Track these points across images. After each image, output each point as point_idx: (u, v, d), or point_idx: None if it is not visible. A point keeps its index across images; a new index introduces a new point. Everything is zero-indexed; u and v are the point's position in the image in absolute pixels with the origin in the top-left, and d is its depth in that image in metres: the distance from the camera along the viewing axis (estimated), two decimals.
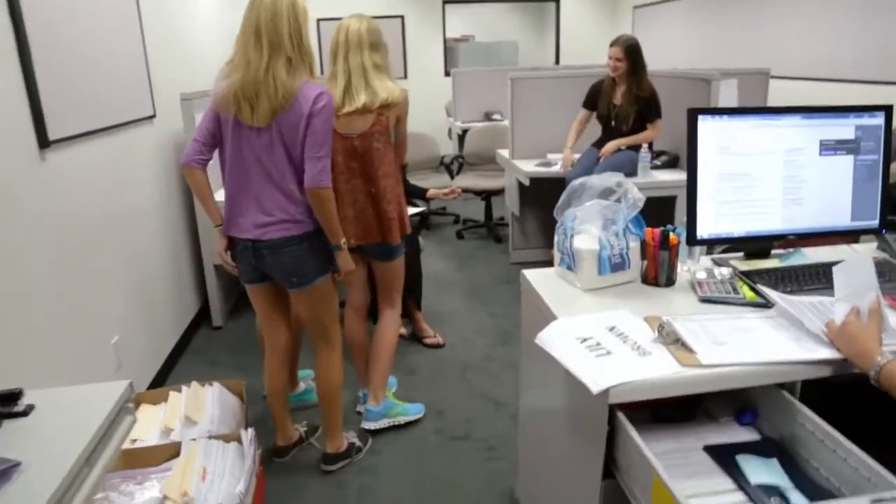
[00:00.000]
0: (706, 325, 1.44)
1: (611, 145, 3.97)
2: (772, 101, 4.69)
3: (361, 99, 2.49)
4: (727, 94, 3.93)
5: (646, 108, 3.93)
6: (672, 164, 4.22)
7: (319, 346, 2.53)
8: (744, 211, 1.77)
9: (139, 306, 3.11)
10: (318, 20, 8.61)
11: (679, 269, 1.76)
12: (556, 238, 1.76)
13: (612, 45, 3.94)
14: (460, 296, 4.33)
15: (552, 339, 1.43)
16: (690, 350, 1.34)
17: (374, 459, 2.68)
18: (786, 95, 5.37)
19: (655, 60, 7.68)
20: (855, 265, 1.37)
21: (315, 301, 2.40)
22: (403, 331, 3.56)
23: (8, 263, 2.05)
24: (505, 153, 4.80)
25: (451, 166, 6.11)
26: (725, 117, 1.72)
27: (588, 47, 9.22)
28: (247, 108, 2.13)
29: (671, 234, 1.70)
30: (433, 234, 5.85)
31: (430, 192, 3.82)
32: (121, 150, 3.01)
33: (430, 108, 8.20)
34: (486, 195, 5.63)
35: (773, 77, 4.68)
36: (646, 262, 1.74)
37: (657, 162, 4.17)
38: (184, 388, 2.70)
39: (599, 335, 1.42)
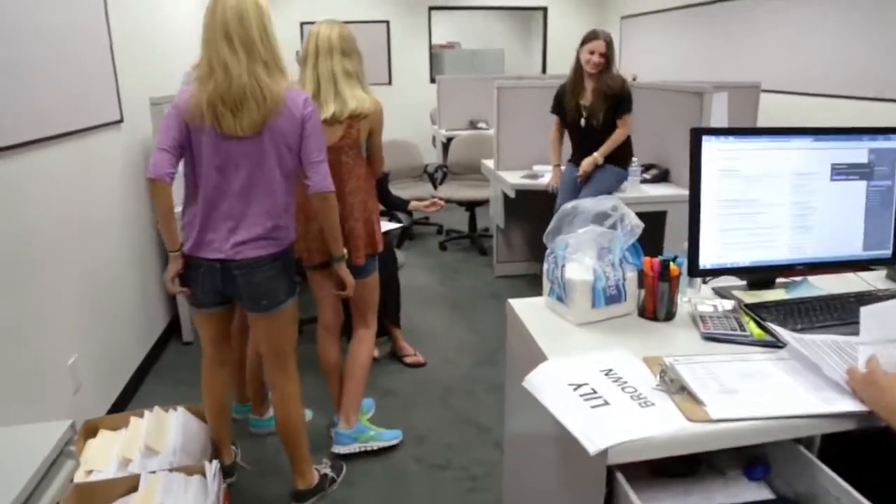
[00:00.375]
0: (712, 370, 1.30)
1: (587, 163, 3.74)
2: (762, 117, 4.59)
3: (330, 108, 2.36)
4: (718, 109, 3.82)
5: (618, 103, 3.70)
6: (662, 177, 4.10)
7: (277, 379, 2.33)
8: (750, 239, 1.63)
9: (101, 322, 2.93)
10: (302, 24, 8.46)
11: (678, 300, 1.62)
12: (545, 266, 1.62)
13: (590, 39, 3.77)
14: (443, 311, 4.18)
15: (542, 384, 1.28)
16: (698, 401, 1.19)
17: (348, 491, 2.51)
18: (777, 111, 5.29)
19: (642, 72, 7.63)
20: (890, 311, 1.24)
21: (279, 325, 2.24)
22: (376, 353, 3.39)
23: None
24: (490, 164, 4.66)
25: (435, 175, 5.96)
26: (731, 138, 1.59)
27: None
28: (228, 117, 1.97)
29: (671, 265, 1.56)
30: (415, 245, 5.69)
31: (412, 205, 3.68)
32: (82, 157, 2.84)
33: (415, 115, 8.06)
34: (471, 206, 5.49)
35: (763, 91, 4.59)
36: (643, 294, 1.60)
37: (646, 176, 4.05)
38: (146, 413, 2.54)
39: (595, 381, 1.27)
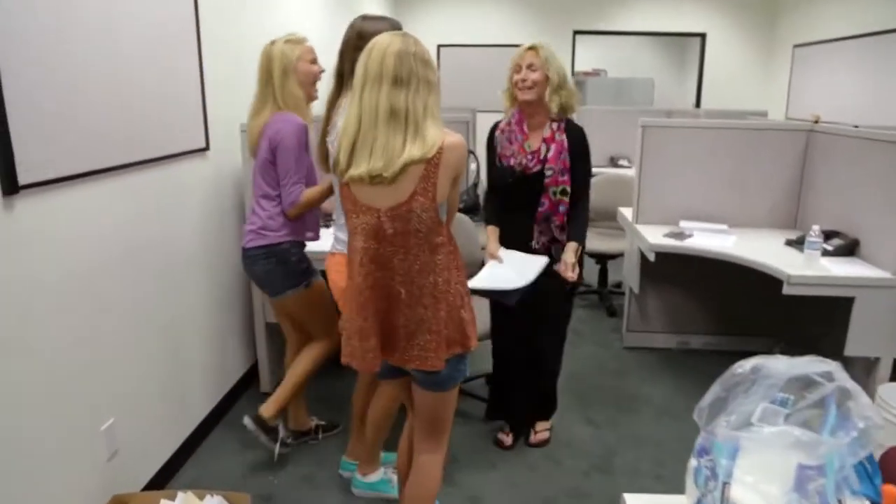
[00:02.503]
0: None
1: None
2: None
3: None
4: None
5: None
6: (848, 250, 3.21)
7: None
8: None
9: (161, 372, 2.59)
10: (439, 46, 8.14)
11: None
12: (692, 462, 0.97)
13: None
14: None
15: None
16: None
17: None
18: None
19: (819, 111, 6.56)
20: None
21: (298, 308, 2.69)
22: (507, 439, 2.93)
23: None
24: (628, 213, 3.96)
25: None
26: None
27: (736, 89, 8.16)
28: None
29: None
30: None
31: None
32: (162, 186, 2.55)
33: None
34: (603, 259, 4.79)
35: None
36: None
37: (828, 247, 3.18)
38: (179, 494, 2.19)
39: None
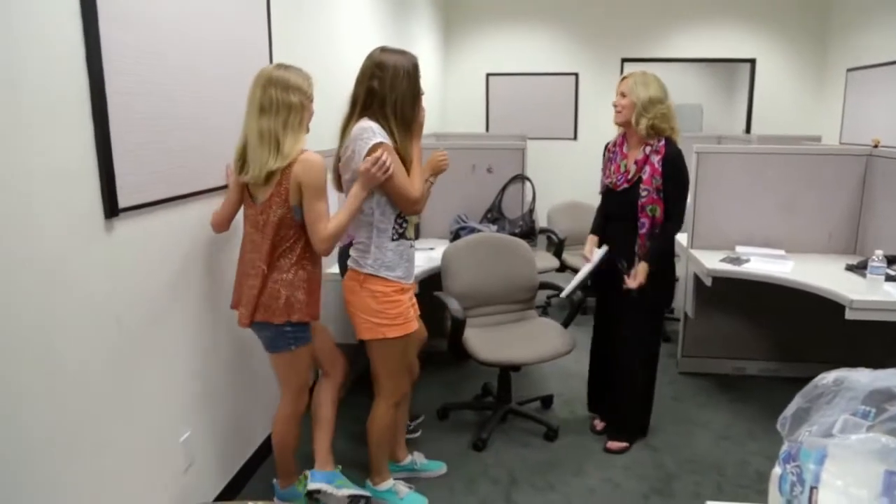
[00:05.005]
0: None
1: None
2: None
3: None
4: None
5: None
6: None
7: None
8: None
9: (233, 387, 2.72)
10: (487, 75, 8.29)
11: None
12: (776, 469, 1.02)
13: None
14: None
15: None
16: None
17: None
18: None
19: (878, 135, 6.46)
20: None
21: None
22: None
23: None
24: (682, 239, 3.98)
25: None
26: None
27: (786, 115, 8.07)
28: None
29: None
30: (587, 321, 5.06)
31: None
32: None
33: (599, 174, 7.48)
34: None
35: None
36: None
37: (891, 271, 3.15)
38: None
39: None
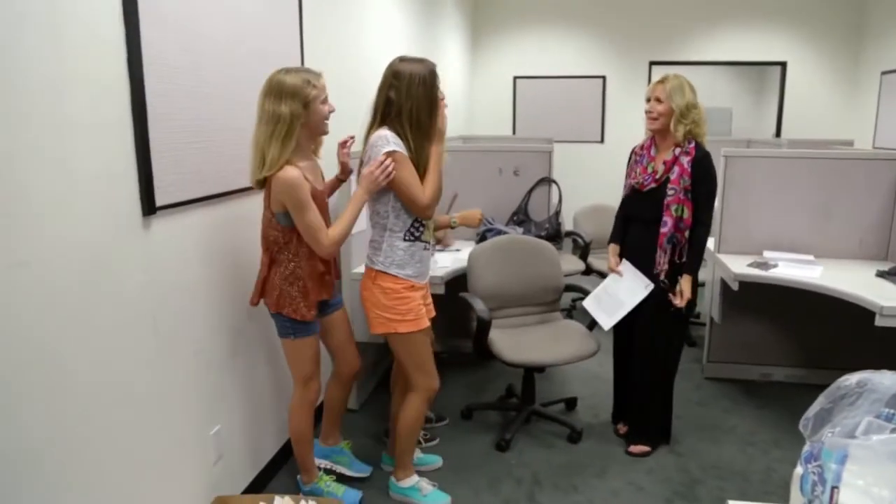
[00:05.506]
0: None
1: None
2: None
3: None
4: None
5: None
6: None
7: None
8: None
9: (262, 381, 2.78)
10: (515, 78, 8.30)
11: None
12: (798, 468, 1.03)
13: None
14: None
15: None
16: None
17: None
18: None
19: None
20: None
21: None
22: None
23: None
24: (710, 244, 3.96)
25: None
26: None
27: (817, 118, 7.97)
28: None
29: None
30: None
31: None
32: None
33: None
34: None
35: None
36: None
37: None
38: (276, 499, 2.35)
39: None
